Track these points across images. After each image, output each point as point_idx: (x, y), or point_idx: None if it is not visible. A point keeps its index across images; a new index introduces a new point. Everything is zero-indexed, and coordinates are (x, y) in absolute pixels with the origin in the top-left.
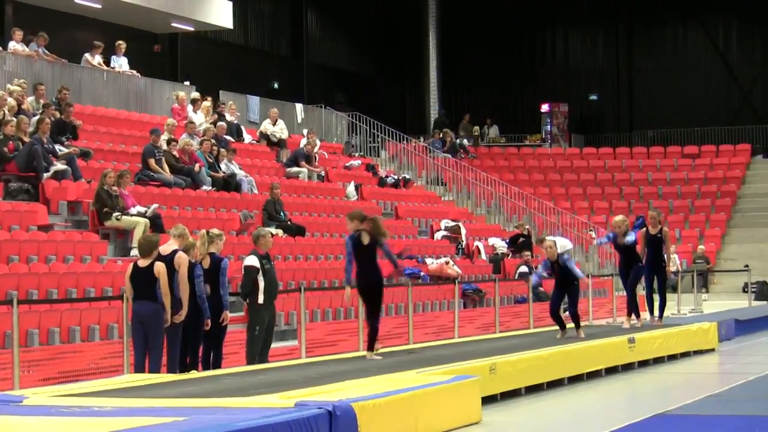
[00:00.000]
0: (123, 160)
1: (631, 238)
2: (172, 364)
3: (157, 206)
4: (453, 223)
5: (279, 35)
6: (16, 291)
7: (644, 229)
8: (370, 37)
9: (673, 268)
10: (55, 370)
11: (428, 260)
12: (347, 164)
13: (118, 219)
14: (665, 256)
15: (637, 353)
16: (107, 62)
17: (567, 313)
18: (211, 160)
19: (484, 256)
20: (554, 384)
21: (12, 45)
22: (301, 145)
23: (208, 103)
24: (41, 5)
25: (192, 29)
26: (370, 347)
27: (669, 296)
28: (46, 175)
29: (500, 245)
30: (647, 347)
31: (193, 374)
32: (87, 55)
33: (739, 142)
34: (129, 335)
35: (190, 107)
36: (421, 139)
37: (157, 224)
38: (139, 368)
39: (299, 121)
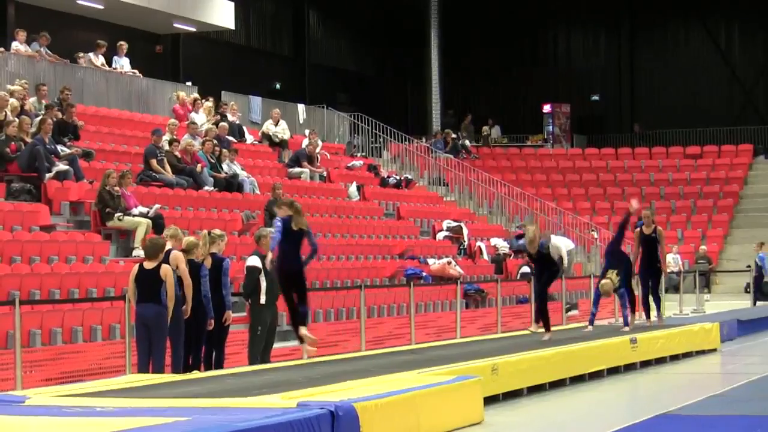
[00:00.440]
0: (125, 161)
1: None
2: (177, 365)
3: (159, 207)
4: (455, 224)
5: (281, 35)
6: (19, 291)
7: (638, 229)
8: (372, 37)
9: (675, 268)
10: (58, 371)
11: (430, 260)
12: (349, 165)
13: (120, 219)
14: (660, 256)
15: (640, 353)
16: (109, 63)
17: (570, 313)
18: (213, 161)
19: (486, 257)
20: (556, 384)
21: (15, 45)
22: (303, 146)
23: (210, 103)
24: (43, 6)
25: (194, 30)
26: (299, 327)
27: (671, 296)
28: (48, 175)
29: (502, 245)
30: (649, 347)
31: (196, 374)
32: (90, 55)
33: (741, 142)
34: (131, 335)
35: (192, 110)
36: (423, 139)
37: (159, 225)
38: (142, 371)
39: (301, 121)
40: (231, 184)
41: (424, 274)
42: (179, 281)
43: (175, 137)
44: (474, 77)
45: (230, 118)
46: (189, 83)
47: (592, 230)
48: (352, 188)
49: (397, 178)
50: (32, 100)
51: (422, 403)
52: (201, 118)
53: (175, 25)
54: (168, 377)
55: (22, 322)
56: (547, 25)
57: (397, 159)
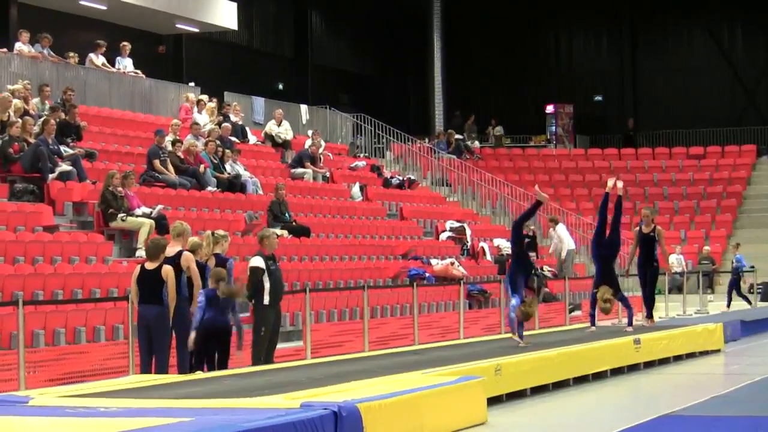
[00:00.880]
0: (128, 161)
1: None
2: (182, 366)
3: (162, 207)
4: (458, 224)
5: (283, 36)
6: (22, 292)
7: (638, 228)
8: (374, 38)
9: (678, 269)
10: (61, 371)
11: (433, 261)
12: (352, 165)
13: (123, 220)
14: (657, 255)
15: (643, 354)
16: (112, 63)
17: (573, 314)
18: (216, 161)
19: (489, 257)
20: (560, 385)
21: (18, 46)
22: (306, 146)
23: (212, 104)
24: (46, 6)
25: (197, 30)
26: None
27: (675, 297)
28: (51, 176)
29: (505, 246)
30: (653, 348)
31: (199, 375)
32: (91, 55)
33: (744, 142)
34: (135, 336)
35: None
36: (426, 140)
37: (162, 225)
38: (144, 371)
39: (304, 122)
40: (234, 185)
41: (427, 274)
42: (188, 282)
43: (178, 138)
44: (477, 78)
45: (233, 118)
46: (192, 84)
47: None
48: (355, 189)
49: (400, 178)
50: (35, 100)
51: (426, 403)
52: (204, 118)
53: (178, 25)
54: (171, 378)
55: (26, 323)
56: (549, 26)
57: (400, 159)
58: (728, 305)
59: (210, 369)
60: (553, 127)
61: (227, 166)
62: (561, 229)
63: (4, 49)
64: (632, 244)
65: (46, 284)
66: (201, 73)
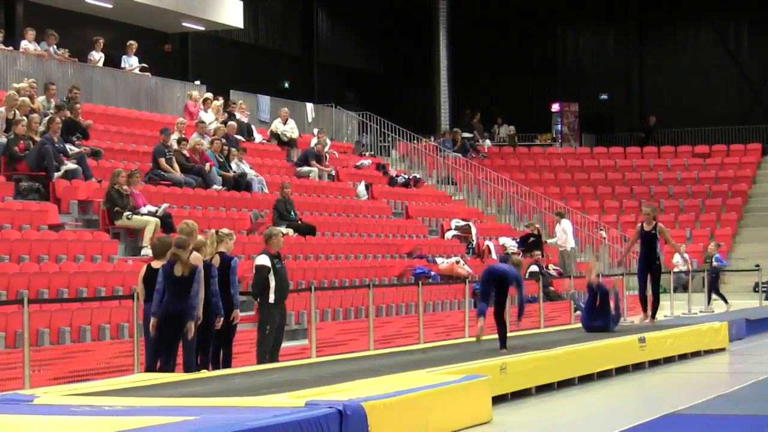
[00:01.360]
0: (133, 160)
1: None
2: (188, 365)
3: (167, 206)
4: (463, 223)
5: (289, 34)
6: (27, 290)
7: (639, 225)
8: (380, 36)
9: (683, 267)
10: (66, 370)
11: (438, 260)
12: (358, 164)
13: (128, 218)
14: (659, 253)
15: (648, 353)
16: (117, 61)
17: (577, 313)
18: (221, 160)
19: (494, 256)
20: (565, 383)
21: (24, 44)
22: (312, 145)
23: (218, 102)
24: (52, 5)
25: (203, 29)
26: None
27: (680, 296)
28: (56, 174)
29: (510, 245)
30: (658, 347)
31: (204, 373)
32: (93, 52)
33: (749, 141)
34: (140, 334)
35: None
36: (432, 138)
37: (167, 224)
38: (150, 370)
39: (309, 120)
40: (239, 183)
41: (432, 273)
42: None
43: (183, 136)
44: (482, 76)
45: (239, 117)
46: (197, 82)
47: (601, 229)
48: (361, 187)
49: (406, 177)
50: (41, 98)
51: (431, 402)
52: (209, 117)
53: (184, 24)
54: (176, 376)
55: (31, 321)
56: (555, 24)
57: (405, 158)
58: (708, 303)
59: (215, 367)
60: (559, 126)
61: (233, 165)
62: (566, 223)
63: (10, 47)
64: (631, 239)
65: (51, 283)
66: (207, 72)
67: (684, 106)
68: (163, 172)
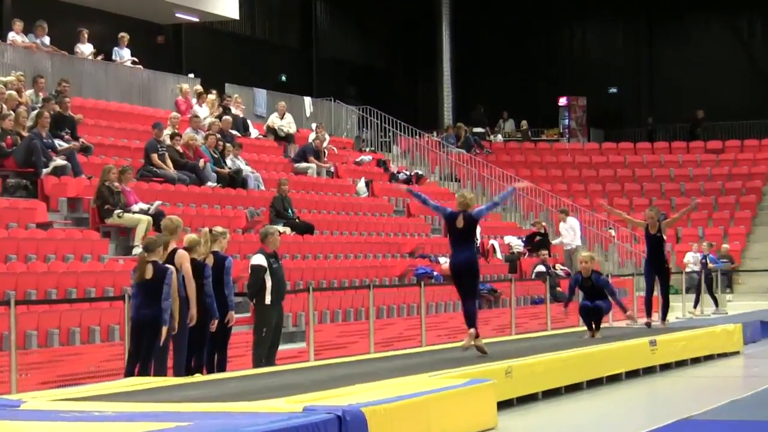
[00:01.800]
0: (125, 156)
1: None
2: (179, 367)
3: (160, 203)
4: None
5: (287, 26)
6: (14, 291)
7: (645, 227)
8: (381, 28)
9: (695, 267)
10: (54, 374)
11: (441, 259)
12: (357, 160)
13: (119, 216)
14: (667, 256)
15: (659, 356)
16: (108, 54)
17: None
18: (216, 156)
19: (499, 255)
20: (573, 388)
21: (11, 36)
22: (310, 140)
23: (213, 96)
24: None
25: (197, 20)
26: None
27: (691, 297)
28: (45, 170)
29: (516, 244)
30: (669, 350)
31: (198, 377)
32: (79, 45)
33: (764, 136)
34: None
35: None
36: (434, 133)
37: (160, 222)
38: (142, 373)
39: (308, 115)
40: (235, 180)
41: (435, 273)
42: (182, 282)
43: (176, 131)
44: (487, 69)
45: (234, 111)
46: (191, 75)
47: (610, 228)
48: (361, 184)
49: (408, 173)
50: (29, 92)
51: (433, 407)
52: (204, 111)
53: (177, 15)
54: (169, 380)
55: (18, 323)
56: (562, 15)
57: (407, 154)
58: (716, 305)
59: (209, 371)
60: (566, 121)
61: (228, 161)
62: (573, 221)
63: None
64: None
65: (39, 283)
66: (201, 65)
67: (696, 100)
68: (155, 169)
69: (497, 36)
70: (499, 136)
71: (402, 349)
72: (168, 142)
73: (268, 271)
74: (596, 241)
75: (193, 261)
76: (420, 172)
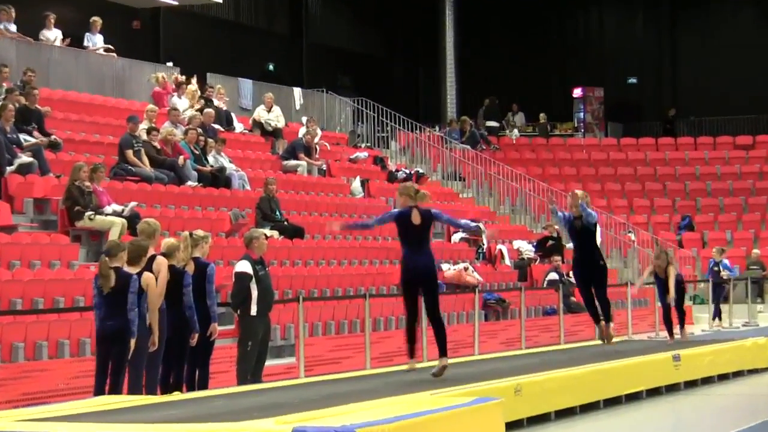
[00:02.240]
0: (97, 152)
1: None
2: (151, 386)
3: (135, 204)
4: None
5: (275, 10)
6: None
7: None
8: (379, 13)
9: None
10: (19, 391)
11: (444, 266)
12: (352, 156)
13: (91, 219)
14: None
15: (683, 372)
16: (80, 40)
17: None
18: (197, 152)
19: (508, 262)
20: (588, 407)
21: None
22: (300, 135)
23: (193, 86)
24: None
25: (176, 3)
26: None
27: (724, 308)
28: (9, 168)
29: (526, 249)
30: (695, 365)
31: (177, 395)
32: (44, 31)
33: None
34: None
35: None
36: (437, 128)
37: (135, 225)
38: (113, 392)
39: (297, 107)
40: (217, 179)
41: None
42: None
43: (153, 125)
44: (494, 58)
45: (217, 103)
46: (170, 64)
47: (629, 231)
48: (356, 183)
49: (407, 171)
50: None
51: (436, 428)
52: (183, 103)
53: None
54: (145, 399)
55: None
56: (577, 0)
57: (406, 150)
58: (714, 318)
59: (190, 389)
60: (582, 114)
61: (210, 158)
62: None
63: None
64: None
65: (2, 292)
66: (181, 52)
67: (723, 92)
68: (130, 167)
69: (506, 22)
70: (516, 131)
71: (401, 365)
72: (144, 137)
73: (253, 279)
74: (614, 245)
75: (171, 268)
76: (421, 171)
